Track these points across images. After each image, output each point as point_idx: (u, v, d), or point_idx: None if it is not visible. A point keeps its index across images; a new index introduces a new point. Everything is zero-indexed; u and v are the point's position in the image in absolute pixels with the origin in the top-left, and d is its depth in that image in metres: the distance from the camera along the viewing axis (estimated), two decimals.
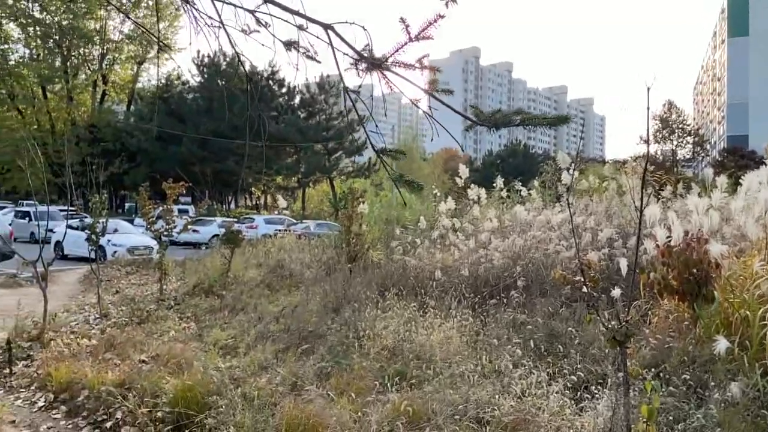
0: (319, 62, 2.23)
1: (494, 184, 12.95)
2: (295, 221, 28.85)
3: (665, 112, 74.61)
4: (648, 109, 3.55)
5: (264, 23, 2.26)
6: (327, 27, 2.13)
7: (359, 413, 4.72)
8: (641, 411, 3.28)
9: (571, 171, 9.55)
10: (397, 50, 2.04)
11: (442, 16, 1.97)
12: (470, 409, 4.58)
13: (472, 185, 11.99)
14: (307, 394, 5.19)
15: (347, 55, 2.10)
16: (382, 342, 6.53)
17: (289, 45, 2.23)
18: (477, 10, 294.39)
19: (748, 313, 5.16)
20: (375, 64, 2.05)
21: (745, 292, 5.48)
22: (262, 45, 2.32)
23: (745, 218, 6.75)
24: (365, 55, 2.07)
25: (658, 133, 73.85)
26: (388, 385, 5.34)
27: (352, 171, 42.54)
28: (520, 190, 12.77)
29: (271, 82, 43.76)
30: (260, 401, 5.06)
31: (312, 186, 46.92)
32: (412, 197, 24.10)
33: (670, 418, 4.23)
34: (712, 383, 4.56)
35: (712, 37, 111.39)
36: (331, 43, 2.08)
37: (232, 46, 2.50)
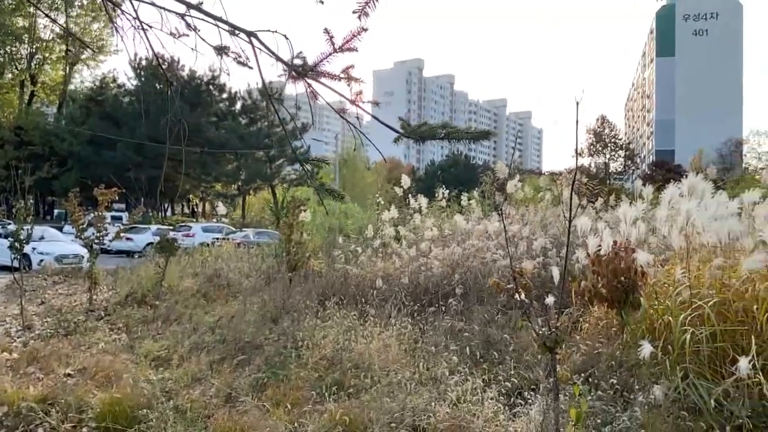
0: (250, 68, 2.20)
1: (437, 194, 13.13)
2: (234, 229, 28.28)
3: (599, 127, 77.76)
4: (577, 122, 3.69)
5: (194, 27, 2.22)
6: (250, 35, 2.10)
7: (295, 424, 4.66)
8: (570, 415, 3.38)
9: (507, 182, 9.79)
10: (321, 60, 2.04)
11: (365, 29, 1.98)
12: (407, 417, 4.60)
13: (415, 194, 12.12)
14: (242, 405, 5.09)
15: (280, 63, 2.08)
16: (321, 351, 6.47)
17: (220, 50, 2.20)
18: (421, 23, 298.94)
19: (670, 318, 5.41)
20: (299, 73, 2.04)
21: (668, 298, 5.75)
22: (192, 49, 2.27)
23: (669, 228, 7.09)
24: (290, 63, 2.05)
25: (592, 147, 76.87)
26: (326, 395, 5.29)
27: (295, 179, 42.10)
28: (461, 200, 13.00)
29: (211, 87, 42.89)
30: (193, 414, 4.92)
31: (253, 194, 46.14)
32: (355, 206, 24.13)
33: (598, 421, 4.38)
34: (637, 387, 4.75)
35: (642, 57, 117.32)
36: (254, 51, 2.06)
37: (151, 50, 2.42)
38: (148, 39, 2.33)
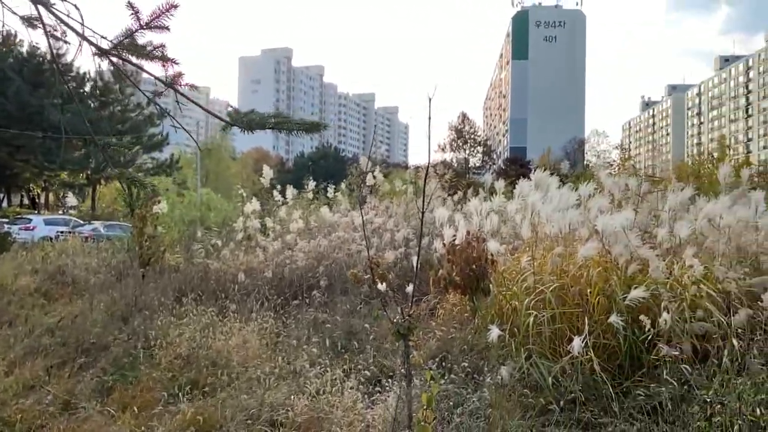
0: (67, 43, 1.97)
1: (305, 186, 13.01)
2: (82, 222, 26.04)
3: (460, 124, 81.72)
4: (430, 118, 3.80)
5: None
6: (37, 1, 1.88)
7: (143, 428, 4.37)
8: (422, 399, 3.49)
9: (368, 175, 9.95)
10: (125, 37, 1.88)
11: (174, 6, 1.85)
12: (264, 413, 4.50)
13: (282, 186, 11.92)
14: (83, 412, 4.69)
15: (78, 37, 1.87)
16: (176, 350, 6.15)
17: (30, 21, 1.94)
18: (289, 10, 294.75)
19: (517, 303, 5.80)
20: (102, 50, 1.87)
21: (515, 285, 6.15)
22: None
23: (519, 219, 7.58)
24: (90, 39, 1.87)
25: (453, 142, 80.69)
26: (180, 395, 5.03)
27: (152, 168, 39.49)
28: (328, 192, 13.00)
29: (56, 66, 38.82)
30: (23, 425, 4.45)
31: (104, 183, 42.61)
32: (219, 198, 23.20)
33: (451, 403, 4.58)
34: (487, 368, 5.04)
35: (500, 58, 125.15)
36: (42, 21, 1.84)
37: None
38: None
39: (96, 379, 5.44)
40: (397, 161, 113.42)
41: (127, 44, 1.85)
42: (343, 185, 14.03)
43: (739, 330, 4.53)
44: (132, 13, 1.83)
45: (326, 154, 79.55)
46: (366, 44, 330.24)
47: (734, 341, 4.33)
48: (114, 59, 1.89)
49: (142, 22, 1.84)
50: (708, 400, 3.92)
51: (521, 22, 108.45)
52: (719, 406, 3.81)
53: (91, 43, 1.86)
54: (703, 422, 3.81)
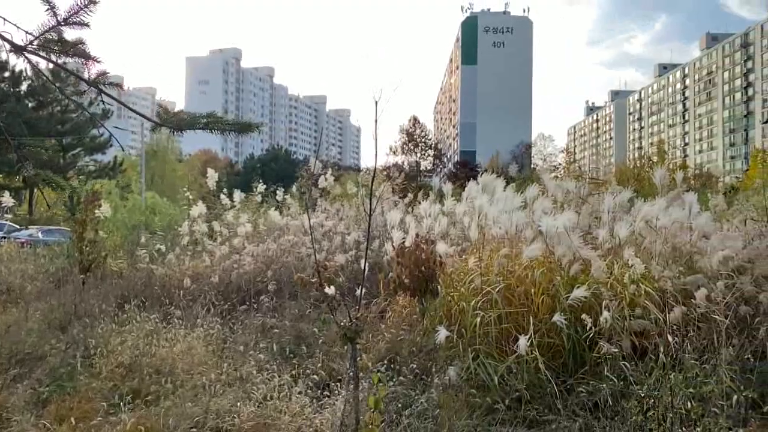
0: None
1: (255, 189, 12.81)
2: (18, 227, 24.90)
3: (411, 127, 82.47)
4: (376, 121, 3.81)
5: None
6: None
7: None
8: (369, 402, 3.49)
9: (320, 178, 9.91)
10: (43, 33, 1.81)
11: (94, 2, 1.79)
12: (210, 420, 4.41)
13: (229, 189, 11.69)
14: (17, 425, 4.47)
15: (3, 37, 1.78)
16: (118, 359, 5.95)
17: None
18: (239, 12, 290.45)
19: (464, 304, 5.86)
20: (16, 46, 1.79)
21: (463, 286, 6.23)
22: None
23: (468, 221, 7.68)
24: (3, 35, 1.79)
25: (405, 146, 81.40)
26: (121, 404, 4.86)
27: (94, 170, 38.07)
28: (277, 195, 12.84)
29: None
30: None
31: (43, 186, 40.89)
32: (164, 201, 22.62)
33: (400, 405, 4.58)
34: (435, 369, 5.08)
35: (449, 63, 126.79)
36: None
37: None
38: None
39: (30, 391, 5.20)
40: (349, 164, 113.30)
41: (46, 41, 1.77)
42: (293, 188, 13.90)
43: (675, 326, 4.72)
44: (48, 8, 1.75)
45: (277, 156, 78.78)
46: (318, 47, 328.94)
47: (669, 337, 4.51)
48: (31, 57, 1.80)
49: (59, 18, 1.76)
50: (643, 395, 4.07)
51: (470, 28, 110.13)
52: (653, 400, 3.96)
53: (4, 39, 1.77)
54: (639, 417, 3.95)
